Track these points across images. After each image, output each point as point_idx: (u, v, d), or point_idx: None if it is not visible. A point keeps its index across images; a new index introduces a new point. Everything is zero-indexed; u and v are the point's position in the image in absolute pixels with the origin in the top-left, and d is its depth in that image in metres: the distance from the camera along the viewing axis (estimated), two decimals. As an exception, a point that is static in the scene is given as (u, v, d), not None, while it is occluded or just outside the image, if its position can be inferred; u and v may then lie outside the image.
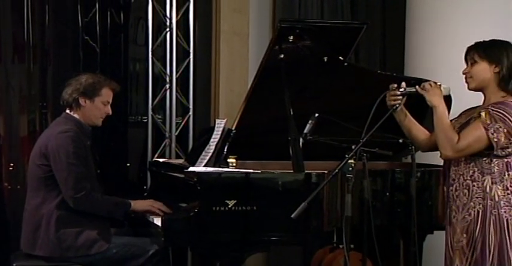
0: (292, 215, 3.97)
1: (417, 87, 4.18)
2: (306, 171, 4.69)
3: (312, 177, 4.70)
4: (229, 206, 4.53)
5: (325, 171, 4.66)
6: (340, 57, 5.24)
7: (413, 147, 4.68)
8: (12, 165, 6.43)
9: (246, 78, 6.76)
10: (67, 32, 6.74)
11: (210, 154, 5.02)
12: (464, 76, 4.18)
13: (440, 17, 5.93)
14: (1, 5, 6.35)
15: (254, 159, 5.28)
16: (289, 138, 4.72)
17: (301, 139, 4.80)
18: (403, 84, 4.24)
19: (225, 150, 4.98)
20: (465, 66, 4.18)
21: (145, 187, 6.20)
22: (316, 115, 4.89)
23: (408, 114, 4.32)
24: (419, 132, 4.39)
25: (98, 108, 4.89)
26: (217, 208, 4.52)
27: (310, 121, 4.88)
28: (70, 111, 4.89)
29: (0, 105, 6.41)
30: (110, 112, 4.96)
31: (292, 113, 4.76)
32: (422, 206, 4.75)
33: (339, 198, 4.72)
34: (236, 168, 4.92)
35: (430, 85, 4.15)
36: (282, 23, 4.94)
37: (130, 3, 7.05)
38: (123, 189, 6.33)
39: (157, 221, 4.91)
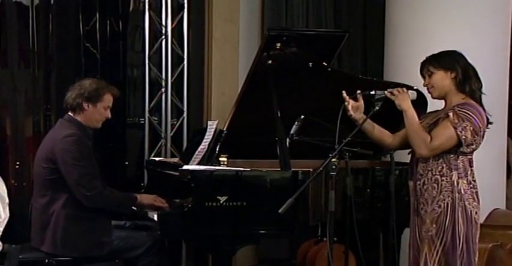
0: (280, 210, 3.97)
1: (386, 92, 4.23)
2: (293, 169, 4.68)
3: (298, 175, 4.71)
4: (221, 202, 4.52)
5: (310, 169, 4.65)
6: (324, 63, 5.23)
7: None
8: (18, 163, 6.41)
9: (236, 82, 6.75)
10: (69, 39, 6.72)
11: (203, 153, 5.01)
12: (426, 88, 4.29)
13: (416, 26, 5.95)
14: (8, 14, 6.33)
15: (244, 157, 5.27)
16: (277, 138, 4.71)
17: (288, 139, 4.80)
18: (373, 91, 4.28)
19: (217, 150, 4.97)
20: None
21: (142, 184, 6.19)
22: (302, 117, 4.90)
23: (375, 124, 4.36)
24: (385, 137, 4.48)
25: (99, 112, 4.87)
26: (210, 203, 4.51)
27: (296, 123, 4.89)
28: (73, 114, 4.86)
29: (6, 107, 6.39)
30: (110, 116, 4.93)
31: (279, 115, 4.75)
32: (400, 202, 4.75)
33: (323, 194, 4.73)
34: (227, 166, 4.91)
35: (398, 91, 4.21)
36: (270, 31, 4.94)
37: (128, 13, 7.04)
38: (122, 186, 6.31)
39: (154, 216, 4.90)
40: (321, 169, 4.09)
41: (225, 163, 4.97)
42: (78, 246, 4.70)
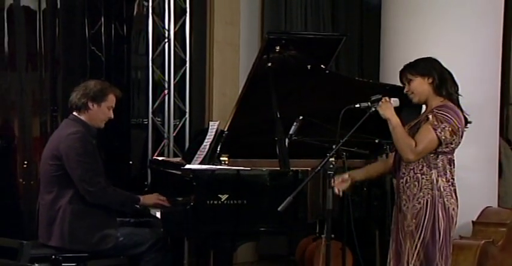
0: (279, 208, 3.96)
1: (369, 103, 4.25)
2: (292, 168, 4.68)
3: (297, 174, 4.69)
4: (222, 200, 4.51)
5: (309, 168, 4.64)
6: (322, 65, 5.22)
7: (388, 146, 4.69)
8: (26, 162, 6.41)
9: (237, 84, 6.75)
10: (75, 43, 6.72)
11: (204, 153, 5.00)
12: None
13: (411, 30, 5.94)
14: (16, 19, 6.33)
15: (244, 157, 5.25)
16: (276, 138, 4.70)
17: (287, 140, 4.79)
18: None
19: (218, 149, 4.96)
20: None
21: (146, 182, 6.17)
22: (301, 117, 4.89)
23: (363, 168, 4.46)
24: (381, 168, 4.58)
25: (103, 111, 4.87)
26: (211, 201, 4.50)
27: (295, 123, 4.88)
28: (77, 114, 4.86)
29: (15, 108, 6.40)
30: (112, 117, 4.94)
31: (278, 116, 4.74)
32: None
33: (321, 193, 4.71)
34: (228, 166, 4.90)
35: (381, 100, 4.23)
36: (269, 35, 4.93)
37: (132, 17, 7.06)
38: (126, 184, 6.32)
39: (157, 214, 4.90)
40: (319, 168, 4.10)
41: (226, 162, 4.96)
42: (85, 240, 4.70)
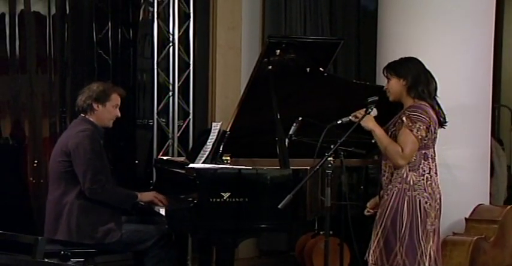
0: (279, 206, 3.96)
1: (350, 117, 4.28)
2: (291, 167, 4.66)
3: (297, 173, 4.68)
4: (224, 198, 4.49)
5: (308, 167, 4.62)
6: (321, 68, 5.21)
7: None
8: (36, 162, 6.40)
9: (238, 87, 6.73)
10: (83, 47, 6.72)
11: (207, 152, 4.98)
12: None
13: (406, 34, 5.92)
14: (26, 23, 6.32)
15: (246, 156, 5.25)
16: (277, 139, 4.69)
17: (286, 140, 4.78)
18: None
19: (221, 149, 4.95)
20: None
21: (151, 181, 6.17)
22: (300, 118, 4.88)
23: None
24: None
25: (109, 111, 4.88)
26: (214, 199, 4.49)
27: (294, 124, 4.87)
28: (85, 115, 4.87)
29: (25, 110, 6.39)
30: (119, 115, 4.94)
31: (279, 117, 4.73)
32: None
33: (320, 191, 4.70)
34: (230, 165, 4.89)
35: (360, 113, 4.27)
36: (270, 39, 4.92)
37: (138, 22, 7.05)
38: (132, 183, 6.32)
39: (162, 211, 4.89)
40: (317, 167, 4.09)
41: (228, 161, 4.95)
42: (91, 234, 4.71)
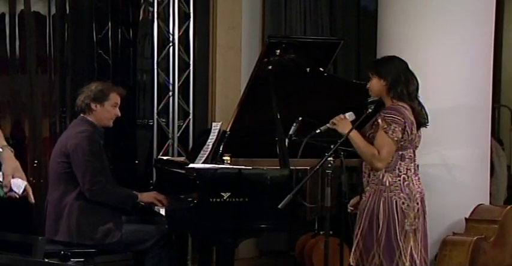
0: (279, 206, 3.95)
1: (328, 124, 4.29)
2: (291, 167, 4.66)
3: (297, 173, 4.68)
4: (224, 198, 4.49)
5: (308, 167, 4.62)
6: (321, 68, 5.21)
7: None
8: (36, 162, 6.40)
9: (238, 87, 6.73)
10: (83, 47, 6.71)
11: (207, 152, 4.98)
12: None
13: (406, 34, 5.93)
14: (26, 23, 6.31)
15: (246, 156, 5.24)
16: (277, 139, 4.69)
17: (286, 140, 4.78)
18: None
19: (221, 149, 4.95)
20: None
21: (151, 181, 6.17)
22: (300, 118, 4.87)
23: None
24: None
25: (108, 110, 4.87)
26: (214, 199, 4.48)
27: (294, 124, 4.86)
28: (84, 115, 4.87)
29: (25, 110, 6.38)
30: (119, 114, 4.94)
31: (279, 117, 4.73)
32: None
33: (320, 191, 4.69)
34: (230, 165, 4.89)
35: (337, 119, 4.28)
36: (270, 39, 4.93)
37: (138, 22, 7.04)
38: (132, 183, 6.31)
39: (162, 211, 4.89)
40: (317, 167, 4.09)
41: (228, 161, 4.95)
42: (90, 234, 4.70)
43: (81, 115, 4.89)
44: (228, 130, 5.04)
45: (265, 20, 7.21)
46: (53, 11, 6.43)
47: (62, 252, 4.67)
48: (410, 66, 4.41)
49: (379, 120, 4.16)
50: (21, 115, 6.40)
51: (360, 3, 8.02)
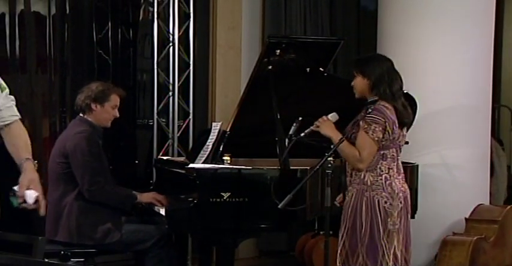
0: (279, 206, 3.95)
1: (312, 127, 4.27)
2: (291, 167, 4.66)
3: (297, 173, 4.67)
4: (224, 198, 4.49)
5: (308, 167, 4.62)
6: (321, 68, 5.21)
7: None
8: (36, 162, 6.37)
9: (238, 87, 6.73)
10: (83, 47, 6.71)
11: (207, 152, 4.98)
12: None
13: (406, 34, 5.94)
14: (26, 23, 6.31)
15: (246, 156, 5.24)
16: (277, 139, 4.69)
17: (286, 140, 4.77)
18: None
19: (221, 149, 4.95)
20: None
21: (151, 181, 6.16)
22: (300, 118, 4.86)
23: None
24: None
25: (108, 111, 4.88)
26: (214, 199, 4.48)
27: (294, 124, 4.84)
28: (83, 115, 4.87)
29: (25, 109, 6.35)
30: (118, 115, 4.94)
31: (279, 117, 4.73)
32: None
33: (320, 191, 4.69)
34: (230, 165, 4.89)
35: (319, 121, 4.26)
36: (270, 39, 4.92)
37: (138, 22, 7.04)
38: (132, 183, 6.30)
39: (162, 211, 4.88)
40: (317, 167, 4.08)
41: (228, 161, 4.94)
42: (90, 234, 4.70)
43: (80, 115, 4.89)
44: (228, 130, 5.03)
45: (265, 20, 7.21)
46: (53, 11, 6.43)
47: (62, 252, 4.67)
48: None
49: (361, 122, 4.16)
50: (21, 115, 6.37)
51: (360, 3, 8.02)
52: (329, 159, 4.08)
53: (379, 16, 6.27)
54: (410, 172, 5.43)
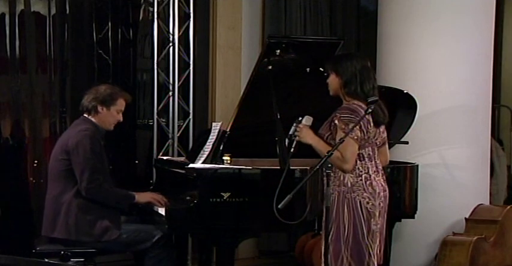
0: (279, 206, 3.94)
1: (294, 139, 4.15)
2: (291, 167, 4.65)
3: (296, 172, 4.67)
4: (224, 198, 4.49)
5: (308, 167, 4.62)
6: (321, 68, 5.20)
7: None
8: (36, 162, 6.40)
9: (239, 86, 6.73)
10: (83, 47, 6.71)
11: (207, 152, 4.98)
12: None
13: (406, 34, 5.94)
14: (27, 23, 6.32)
15: (246, 156, 5.24)
16: (276, 138, 4.68)
17: (286, 139, 4.77)
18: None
19: (221, 149, 4.95)
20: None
21: (151, 181, 6.17)
22: (300, 118, 4.86)
23: None
24: None
25: (112, 115, 4.89)
26: (214, 199, 4.48)
27: (294, 124, 4.85)
28: (88, 116, 4.87)
29: (25, 110, 6.39)
30: (121, 120, 4.95)
31: (279, 116, 4.72)
32: (391, 198, 4.70)
33: (320, 191, 4.68)
34: (230, 165, 4.89)
35: (298, 131, 4.16)
36: (270, 39, 4.92)
37: (138, 22, 7.05)
38: (132, 183, 6.31)
39: (162, 211, 4.88)
40: (317, 167, 4.06)
41: (228, 161, 4.94)
42: (89, 231, 4.70)
43: (84, 115, 4.89)
44: (228, 130, 5.03)
45: (265, 20, 7.21)
46: (53, 11, 6.44)
47: (62, 252, 4.68)
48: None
49: (336, 121, 4.10)
50: (21, 115, 6.40)
51: (360, 4, 8.02)
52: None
53: (379, 16, 6.27)
54: (410, 172, 5.44)
